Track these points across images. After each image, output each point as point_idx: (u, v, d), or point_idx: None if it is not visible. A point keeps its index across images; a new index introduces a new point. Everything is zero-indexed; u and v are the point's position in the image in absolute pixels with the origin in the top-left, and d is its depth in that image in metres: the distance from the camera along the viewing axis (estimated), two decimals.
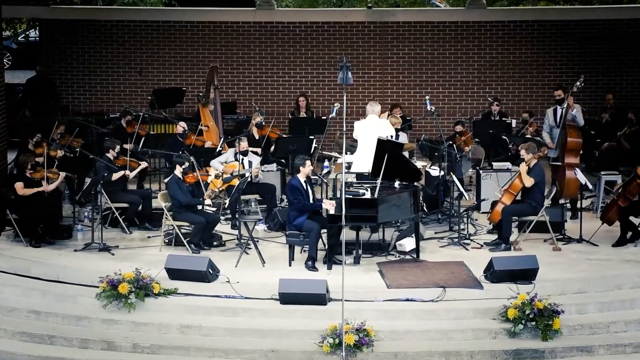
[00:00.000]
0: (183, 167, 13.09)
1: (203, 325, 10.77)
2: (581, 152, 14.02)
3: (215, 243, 13.11)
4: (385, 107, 18.45)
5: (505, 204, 12.80)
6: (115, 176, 13.77)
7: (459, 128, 16.65)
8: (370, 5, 19.78)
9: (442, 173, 14.30)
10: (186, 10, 20.14)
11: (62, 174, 13.51)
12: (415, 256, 12.49)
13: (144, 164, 14.58)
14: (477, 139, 16.62)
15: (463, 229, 13.37)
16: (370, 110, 13.64)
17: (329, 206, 12.01)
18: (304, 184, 12.26)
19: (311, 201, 12.29)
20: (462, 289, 11.25)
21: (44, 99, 18.83)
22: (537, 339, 10.54)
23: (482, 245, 12.94)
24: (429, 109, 15.07)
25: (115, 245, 13.04)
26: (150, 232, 13.78)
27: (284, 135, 16.54)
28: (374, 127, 13.26)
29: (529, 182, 12.76)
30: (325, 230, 12.24)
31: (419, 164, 14.19)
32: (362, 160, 13.11)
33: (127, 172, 14.00)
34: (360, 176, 13.08)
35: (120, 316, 11.00)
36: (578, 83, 13.87)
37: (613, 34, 19.35)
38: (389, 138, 12.73)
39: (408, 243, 12.65)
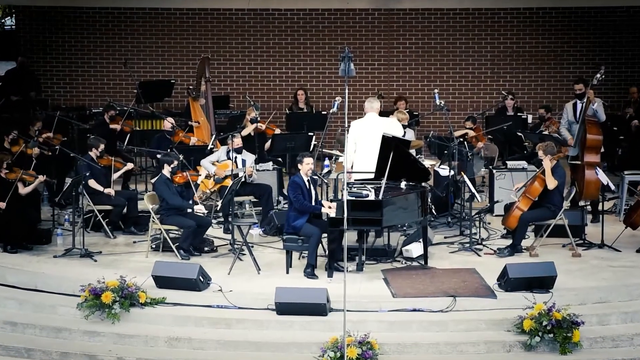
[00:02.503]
0: (171, 166, 13.10)
1: (193, 338, 10.77)
2: (602, 149, 14.01)
3: (206, 249, 13.11)
4: (390, 101, 18.51)
5: (522, 210, 12.77)
6: (93, 185, 13.64)
7: (469, 124, 16.65)
8: None
9: (452, 173, 14.30)
10: None
11: (41, 178, 13.48)
12: (423, 263, 12.49)
13: (129, 165, 14.57)
14: (490, 136, 16.62)
15: (475, 234, 13.37)
16: (368, 107, 13.29)
17: (328, 210, 12.00)
18: (306, 183, 12.25)
19: (313, 202, 12.28)
20: (474, 298, 11.26)
21: (25, 92, 18.81)
22: (556, 353, 10.54)
23: (495, 251, 12.94)
24: (438, 103, 15.06)
25: (98, 251, 13.04)
26: (136, 237, 13.79)
27: (281, 132, 16.54)
28: (374, 127, 12.93)
29: (552, 183, 12.71)
30: (325, 235, 12.24)
31: (427, 162, 14.18)
32: (362, 165, 12.86)
33: (111, 191, 13.85)
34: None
35: (103, 328, 11.00)
36: (598, 75, 13.84)
37: (637, 22, 19.35)
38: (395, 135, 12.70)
39: (415, 248, 12.65)
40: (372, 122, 13.16)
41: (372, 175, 12.61)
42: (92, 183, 13.62)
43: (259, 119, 16.05)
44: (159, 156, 14.91)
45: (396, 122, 13.52)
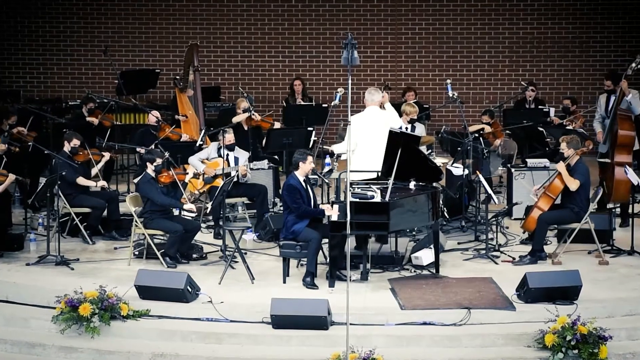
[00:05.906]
0: (154, 164, 13.09)
1: (180, 354, 10.78)
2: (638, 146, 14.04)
3: (194, 256, 13.12)
4: (398, 92, 18.52)
5: (542, 210, 12.79)
6: (83, 182, 13.74)
7: (486, 118, 16.66)
8: None
9: (467, 172, 14.32)
10: None
11: (12, 177, 13.48)
12: (434, 271, 12.51)
13: (107, 155, 14.53)
14: (508, 131, 16.63)
15: (491, 239, 13.38)
16: (369, 99, 13.28)
17: (329, 212, 12.00)
18: (303, 184, 12.25)
19: (312, 205, 12.28)
20: (490, 310, 11.27)
21: None
22: None
23: (514, 259, 12.95)
24: (450, 95, 15.09)
25: (75, 258, 13.05)
26: (117, 243, 13.80)
27: (278, 126, 16.55)
28: (374, 123, 12.93)
29: (574, 185, 12.69)
30: (326, 240, 12.24)
31: (439, 160, 14.20)
32: (361, 165, 12.84)
33: (95, 169, 13.97)
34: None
35: (81, 343, 11.01)
36: (633, 64, 13.85)
37: None
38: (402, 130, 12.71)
39: (426, 256, 12.67)
40: (373, 116, 13.17)
41: (372, 175, 12.61)
42: (81, 180, 13.73)
43: (252, 111, 16.06)
44: (140, 151, 14.95)
45: (396, 115, 13.45)
